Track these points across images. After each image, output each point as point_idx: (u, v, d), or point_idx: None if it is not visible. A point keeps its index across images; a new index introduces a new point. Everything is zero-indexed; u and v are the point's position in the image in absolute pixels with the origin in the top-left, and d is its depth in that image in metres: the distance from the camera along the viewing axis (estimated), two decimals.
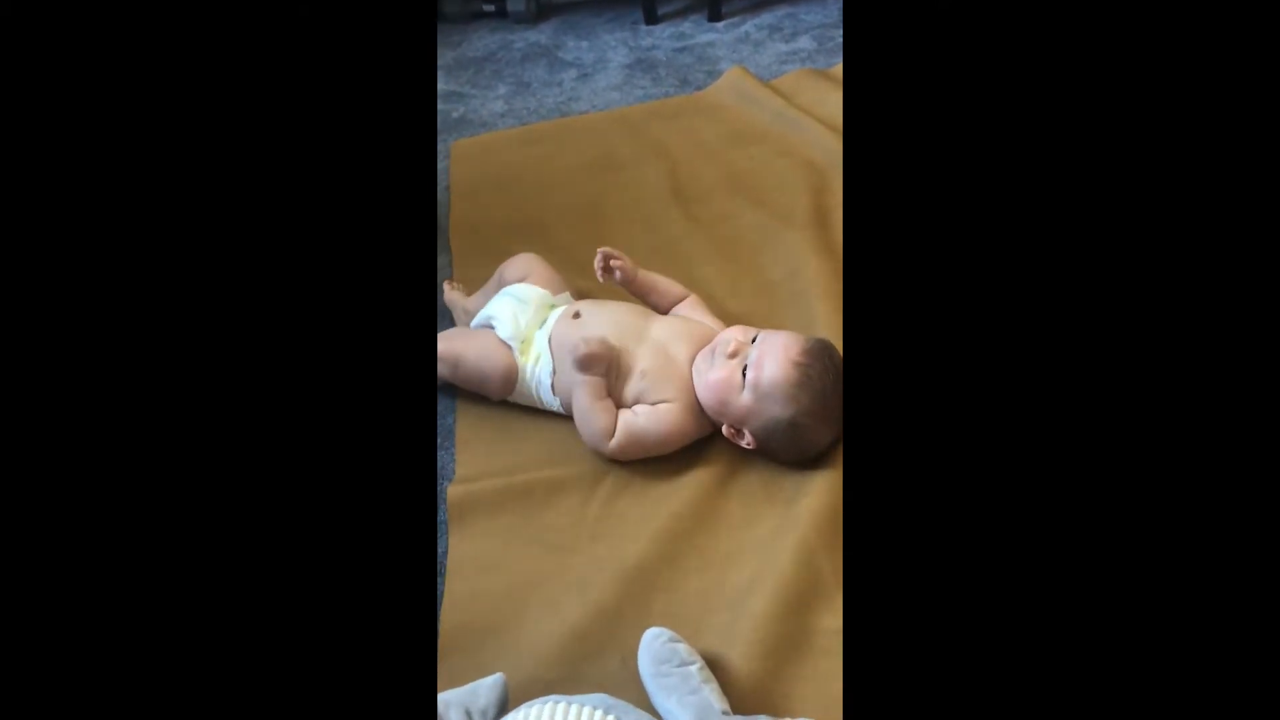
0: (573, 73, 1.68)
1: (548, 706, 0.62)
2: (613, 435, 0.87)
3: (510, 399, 0.97)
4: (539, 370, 0.93)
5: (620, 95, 1.58)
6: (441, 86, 1.70)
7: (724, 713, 0.65)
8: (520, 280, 1.02)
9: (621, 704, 0.64)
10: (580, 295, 1.05)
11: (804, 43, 1.67)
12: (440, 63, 1.79)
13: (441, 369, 0.96)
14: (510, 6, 1.88)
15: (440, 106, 1.63)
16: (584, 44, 1.78)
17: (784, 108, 1.43)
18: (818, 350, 0.84)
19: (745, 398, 0.83)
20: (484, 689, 0.65)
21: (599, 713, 0.62)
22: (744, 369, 0.84)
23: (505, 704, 0.66)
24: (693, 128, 1.45)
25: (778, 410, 0.82)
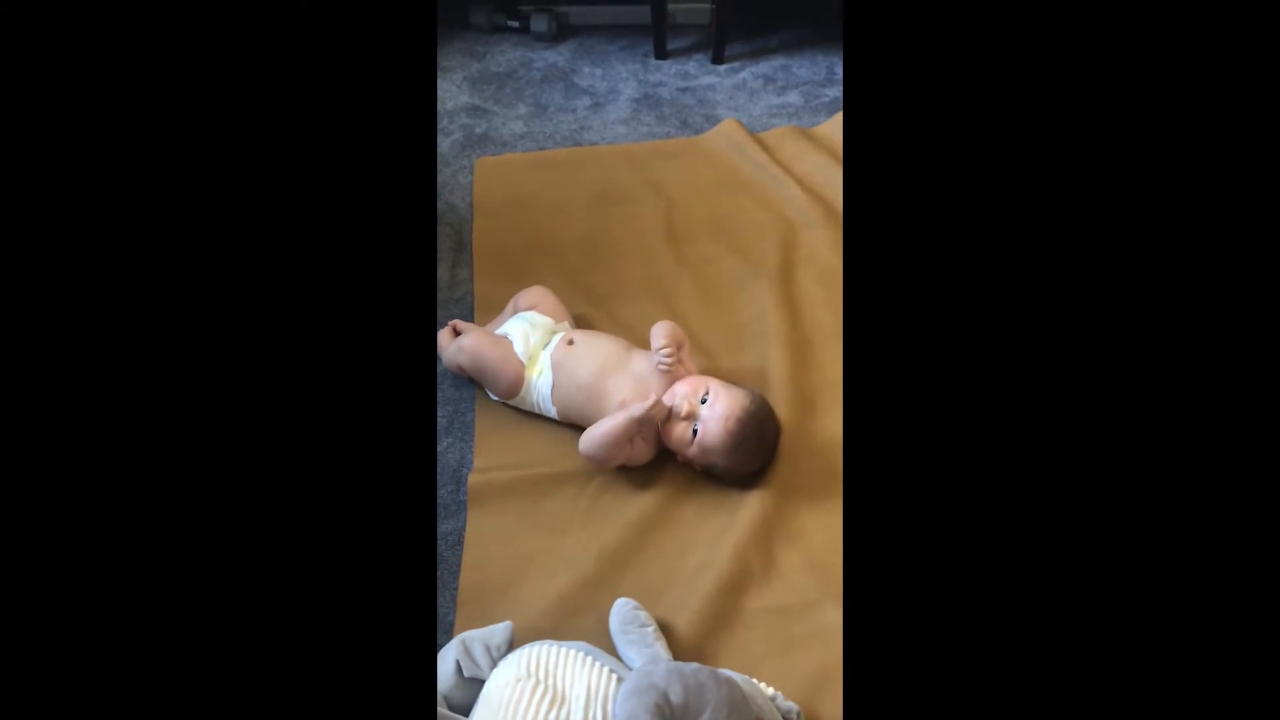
0: (586, 100, 1.88)
1: (544, 648, 0.87)
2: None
3: (510, 403, 1.20)
4: (540, 383, 1.18)
5: (627, 130, 1.79)
6: (466, 99, 1.89)
7: (669, 660, 0.90)
8: (531, 308, 1.29)
9: (597, 650, 0.89)
10: (578, 322, 1.31)
11: (793, 98, 1.89)
12: (465, 74, 1.97)
13: (463, 359, 1.21)
14: (533, 26, 2.07)
15: (465, 120, 1.82)
16: (598, 71, 1.97)
17: (768, 162, 1.65)
18: (750, 413, 1.09)
19: (693, 450, 1.10)
20: (498, 631, 0.90)
21: (581, 655, 0.86)
22: (694, 430, 1.09)
23: (512, 643, 0.91)
24: (689, 169, 1.67)
25: (716, 459, 1.10)
